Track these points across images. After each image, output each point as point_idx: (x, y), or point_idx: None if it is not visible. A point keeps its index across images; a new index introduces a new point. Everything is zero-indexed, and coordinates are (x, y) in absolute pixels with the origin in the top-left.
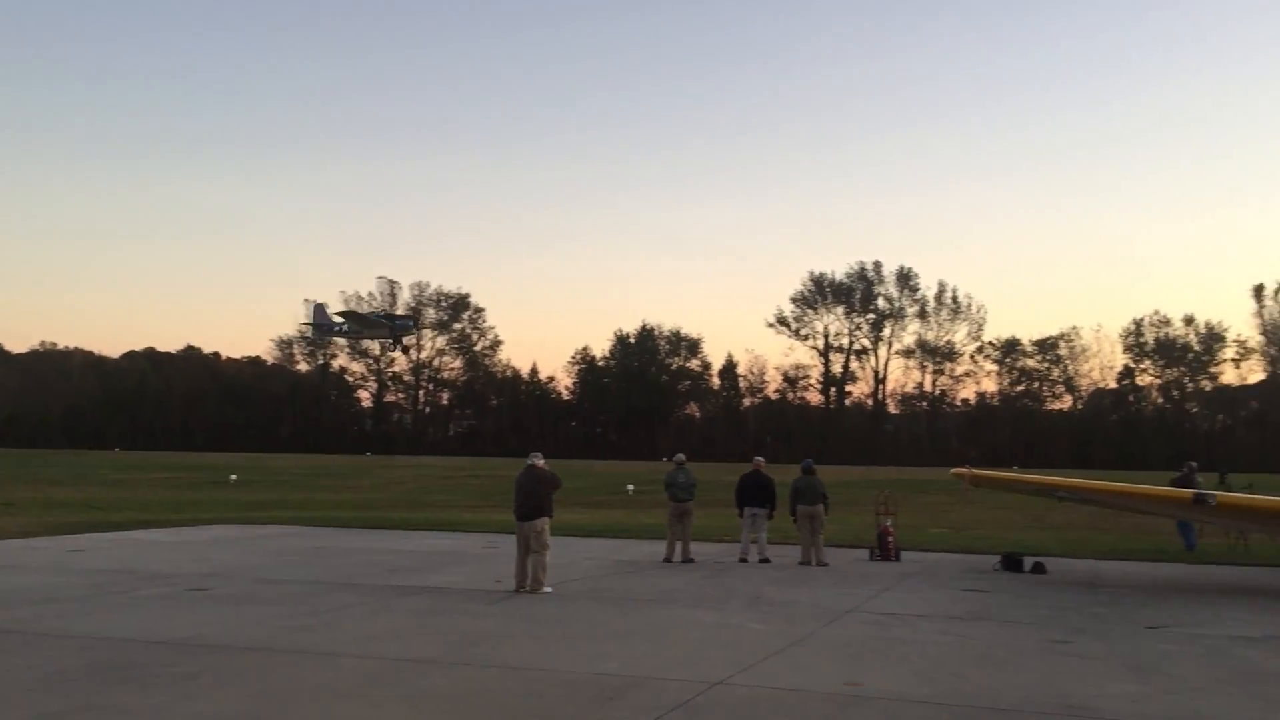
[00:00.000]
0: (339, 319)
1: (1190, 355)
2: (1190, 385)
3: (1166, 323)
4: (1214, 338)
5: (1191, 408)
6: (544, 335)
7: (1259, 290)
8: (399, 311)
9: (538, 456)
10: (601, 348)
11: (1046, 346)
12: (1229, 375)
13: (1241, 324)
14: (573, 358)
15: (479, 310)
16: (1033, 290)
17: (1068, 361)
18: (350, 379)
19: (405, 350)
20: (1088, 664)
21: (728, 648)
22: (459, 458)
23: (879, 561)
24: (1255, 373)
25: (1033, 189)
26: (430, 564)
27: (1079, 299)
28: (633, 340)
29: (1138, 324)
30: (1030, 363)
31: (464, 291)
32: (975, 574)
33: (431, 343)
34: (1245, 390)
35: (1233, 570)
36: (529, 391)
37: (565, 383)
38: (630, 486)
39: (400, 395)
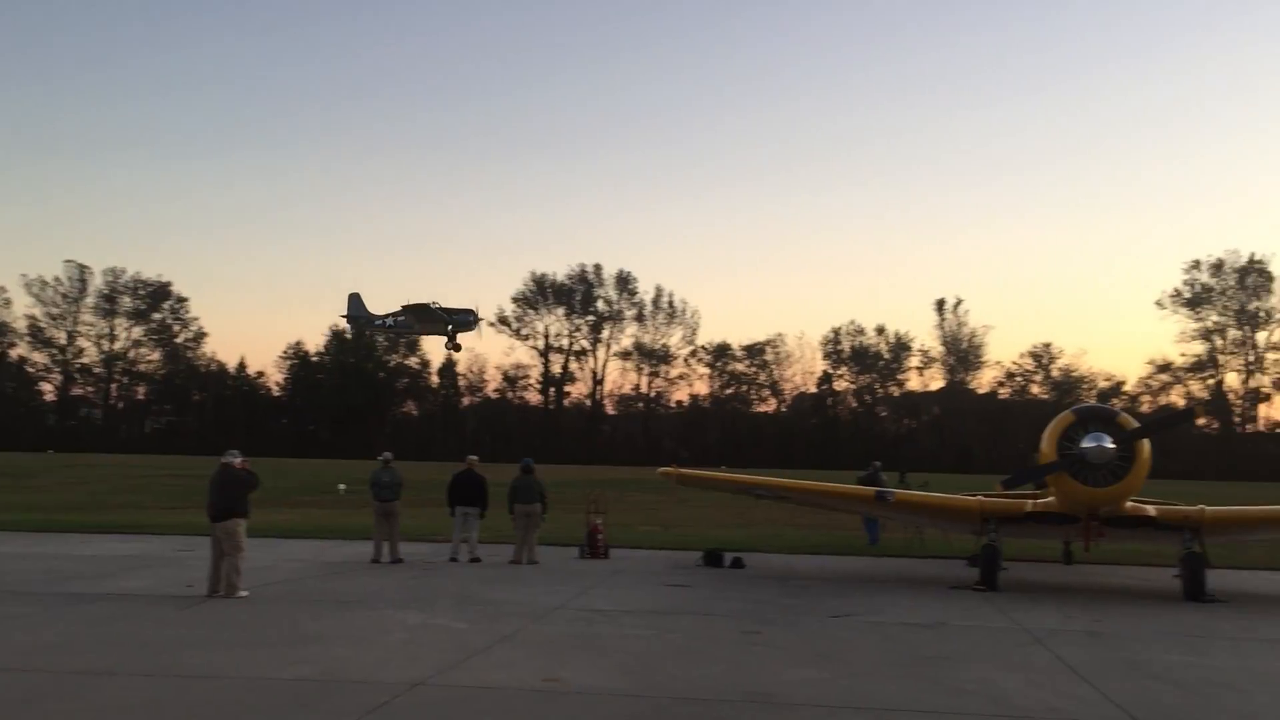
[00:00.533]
0: (385, 313)
1: (881, 363)
2: (880, 390)
3: (861, 332)
4: (901, 347)
5: (881, 411)
6: (254, 329)
7: (940, 304)
8: (464, 305)
9: (234, 454)
10: (316, 342)
11: (754, 352)
12: (914, 382)
13: (925, 335)
14: (284, 352)
15: (181, 300)
16: (743, 298)
17: (773, 366)
18: (31, 370)
19: (458, 349)
20: (776, 652)
21: (431, 648)
22: (156, 456)
23: (588, 559)
24: (936, 380)
25: (743, 199)
26: (114, 569)
27: (784, 307)
28: (348, 335)
29: (836, 332)
30: (739, 367)
31: (165, 279)
32: (679, 570)
33: (127, 333)
34: (927, 396)
35: (909, 562)
36: (236, 387)
37: (276, 378)
38: (342, 486)
39: (89, 389)
